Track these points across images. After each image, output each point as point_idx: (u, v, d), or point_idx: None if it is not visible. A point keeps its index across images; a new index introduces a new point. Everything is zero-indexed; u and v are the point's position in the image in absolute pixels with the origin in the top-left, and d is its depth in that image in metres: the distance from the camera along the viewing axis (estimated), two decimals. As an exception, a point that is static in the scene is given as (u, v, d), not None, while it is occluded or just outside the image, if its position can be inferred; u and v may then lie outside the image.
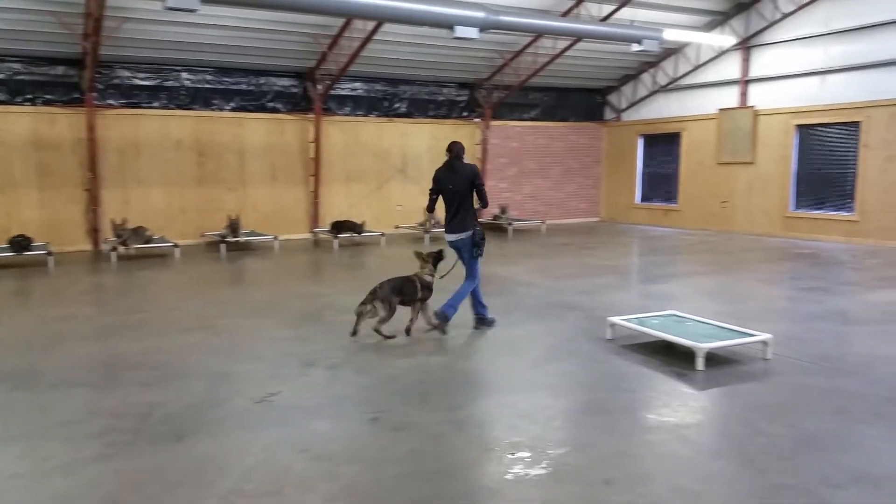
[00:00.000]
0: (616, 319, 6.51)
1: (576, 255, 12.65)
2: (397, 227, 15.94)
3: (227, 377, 5.48)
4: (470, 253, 6.73)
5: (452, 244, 6.85)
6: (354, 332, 6.50)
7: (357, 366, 5.76)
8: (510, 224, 15.95)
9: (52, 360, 5.96)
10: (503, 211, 16.54)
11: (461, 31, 10.15)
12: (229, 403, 4.87)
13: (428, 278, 6.64)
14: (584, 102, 18.83)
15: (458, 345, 6.53)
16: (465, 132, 16.99)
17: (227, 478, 3.72)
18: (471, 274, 6.82)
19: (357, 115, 15.85)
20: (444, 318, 6.64)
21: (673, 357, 5.85)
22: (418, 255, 6.80)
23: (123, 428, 4.41)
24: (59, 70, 12.92)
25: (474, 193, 6.74)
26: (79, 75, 12.95)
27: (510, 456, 3.98)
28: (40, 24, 11.41)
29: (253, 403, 4.86)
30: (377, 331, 6.37)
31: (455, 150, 6.81)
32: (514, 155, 17.94)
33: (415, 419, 4.55)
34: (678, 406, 4.85)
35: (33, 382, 5.38)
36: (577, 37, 13.76)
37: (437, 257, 6.76)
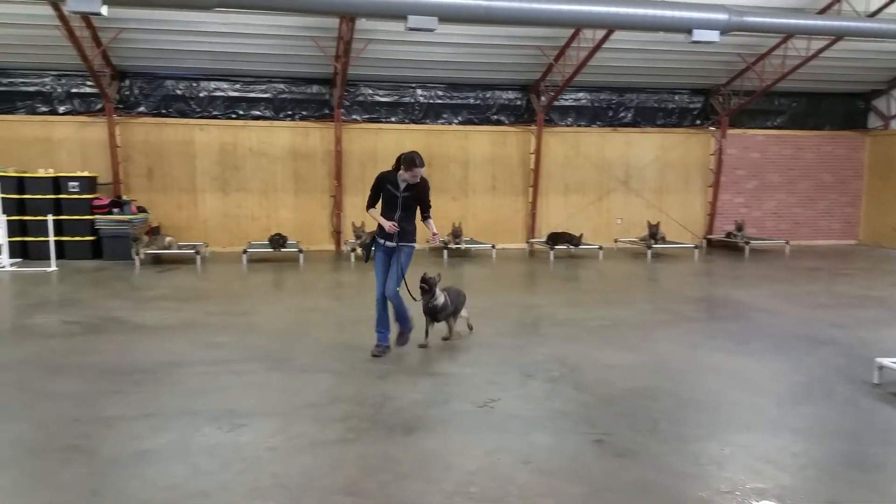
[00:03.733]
0: (886, 361, 5.60)
1: (828, 281, 11.18)
2: (616, 240, 15.44)
3: (449, 378, 5.67)
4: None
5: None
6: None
7: (576, 382, 5.61)
8: (747, 243, 14.62)
9: (301, 346, 6.63)
10: (739, 228, 15.21)
11: (700, 34, 9.50)
12: (452, 404, 5.03)
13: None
14: (842, 108, 16.67)
15: (683, 371, 6.07)
16: (697, 142, 15.98)
17: (452, 477, 3.80)
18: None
19: (579, 126, 15.65)
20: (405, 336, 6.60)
21: (963, 414, 4.87)
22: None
23: (361, 415, 4.75)
24: (314, 89, 14.48)
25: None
26: (329, 93, 14.42)
27: (754, 503, 3.58)
28: (302, 48, 12.91)
29: (475, 407, 4.96)
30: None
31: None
32: (754, 167, 16.44)
33: (642, 446, 4.29)
34: (973, 474, 3.98)
35: (286, 365, 6.02)
36: (838, 36, 12.22)
37: None
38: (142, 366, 5.95)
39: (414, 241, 6.39)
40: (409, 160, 6.09)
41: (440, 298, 6.64)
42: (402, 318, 6.46)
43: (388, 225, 6.14)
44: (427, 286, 6.58)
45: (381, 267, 6.33)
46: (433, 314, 6.66)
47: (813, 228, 16.87)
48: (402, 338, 6.53)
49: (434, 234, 6.40)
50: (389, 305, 6.36)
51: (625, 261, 13.64)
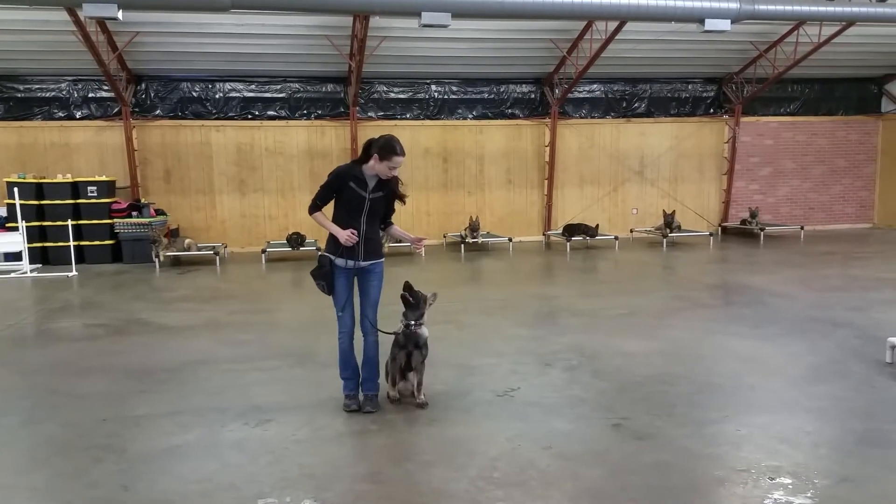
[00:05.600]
0: (899, 341, 5.65)
1: (843, 265, 11.20)
2: (632, 231, 15.48)
3: (471, 369, 5.77)
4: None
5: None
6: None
7: (595, 369, 5.71)
8: (762, 230, 14.66)
9: (322, 342, 6.73)
10: (753, 215, 15.22)
11: (712, 24, 9.56)
12: (474, 394, 5.14)
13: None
14: (854, 93, 16.61)
15: (699, 356, 6.15)
16: (711, 130, 15.98)
17: (476, 464, 3.92)
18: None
19: (593, 118, 15.69)
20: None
21: (976, 391, 4.92)
22: None
23: (385, 407, 4.86)
24: (329, 88, 14.61)
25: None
26: (344, 91, 14.55)
27: (769, 480, 3.68)
28: (316, 47, 13.03)
29: (495, 396, 5.07)
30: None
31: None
32: (767, 154, 16.41)
33: (660, 430, 4.38)
34: None
35: (308, 361, 6.16)
36: (850, 21, 12.15)
37: None
38: (167, 365, 6.06)
39: (383, 255, 4.90)
40: (387, 146, 4.49)
41: (425, 328, 4.91)
42: (374, 365, 4.86)
43: (346, 235, 4.57)
44: (413, 299, 4.81)
45: (345, 293, 4.76)
46: (416, 346, 4.81)
47: (827, 213, 16.86)
48: (372, 402, 4.82)
49: (419, 240, 5.04)
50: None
51: (641, 250, 13.68)
